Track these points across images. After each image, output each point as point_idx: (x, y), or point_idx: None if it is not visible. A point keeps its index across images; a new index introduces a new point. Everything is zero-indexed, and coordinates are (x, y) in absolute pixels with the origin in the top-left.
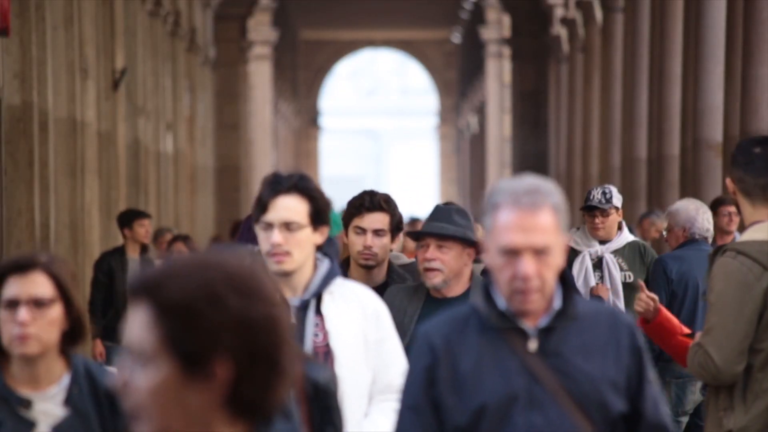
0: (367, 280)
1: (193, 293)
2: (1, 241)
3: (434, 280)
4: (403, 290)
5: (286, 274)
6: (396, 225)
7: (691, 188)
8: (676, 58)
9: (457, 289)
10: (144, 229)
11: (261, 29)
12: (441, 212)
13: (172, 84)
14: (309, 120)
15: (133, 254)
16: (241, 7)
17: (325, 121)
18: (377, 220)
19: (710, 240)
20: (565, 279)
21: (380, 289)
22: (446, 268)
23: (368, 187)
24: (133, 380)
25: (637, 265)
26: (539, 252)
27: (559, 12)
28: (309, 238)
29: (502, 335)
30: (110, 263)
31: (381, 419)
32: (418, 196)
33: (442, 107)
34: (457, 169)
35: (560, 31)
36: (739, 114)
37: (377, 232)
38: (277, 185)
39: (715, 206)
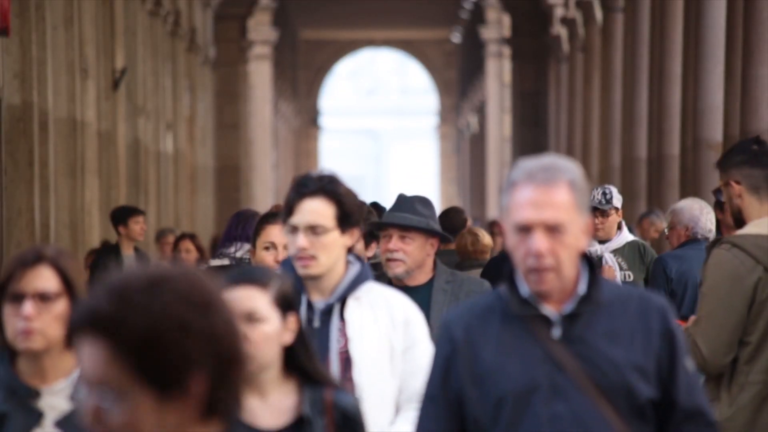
0: None
1: (156, 324)
2: (1, 241)
3: (396, 270)
4: None
5: (313, 278)
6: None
7: (691, 188)
8: (676, 58)
9: (420, 279)
10: (139, 227)
11: (261, 29)
12: (403, 202)
13: (172, 84)
14: (309, 120)
15: (127, 251)
16: (241, 7)
17: (325, 120)
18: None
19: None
20: (592, 263)
21: None
22: (409, 258)
23: (369, 187)
24: (106, 413)
25: (637, 265)
26: (552, 229)
27: (559, 12)
28: (336, 241)
29: (526, 323)
30: (105, 262)
31: (405, 428)
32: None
33: (442, 107)
34: (457, 169)
35: (560, 30)
36: (739, 114)
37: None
38: (303, 187)
39: (720, 204)
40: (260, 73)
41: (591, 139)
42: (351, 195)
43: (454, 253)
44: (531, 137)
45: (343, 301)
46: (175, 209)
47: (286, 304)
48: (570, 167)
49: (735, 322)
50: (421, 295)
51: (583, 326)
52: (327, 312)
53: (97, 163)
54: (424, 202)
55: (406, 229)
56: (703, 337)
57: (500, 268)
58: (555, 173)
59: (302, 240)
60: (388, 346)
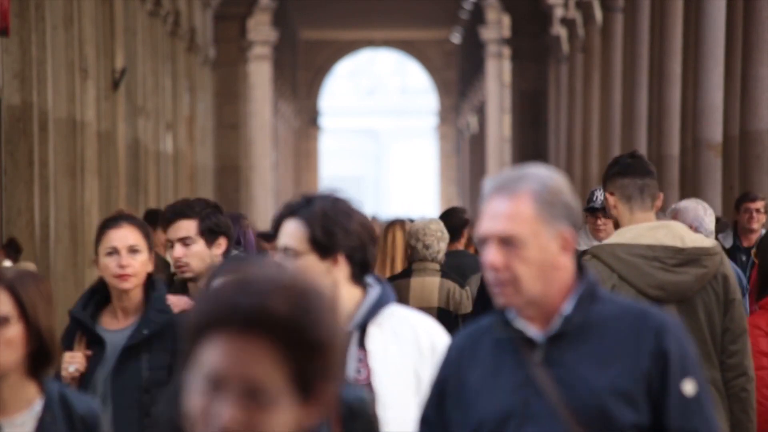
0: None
1: (328, 334)
2: (1, 241)
3: (187, 275)
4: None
5: None
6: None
7: (690, 188)
8: (676, 58)
9: None
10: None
11: (261, 29)
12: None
13: (172, 84)
14: (309, 120)
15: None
16: (240, 7)
17: (325, 121)
18: (182, 227)
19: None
20: (587, 280)
21: None
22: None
23: (369, 187)
24: (248, 420)
25: None
26: (506, 242)
27: (558, 12)
28: (315, 266)
29: (514, 346)
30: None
31: None
32: (418, 197)
33: (442, 107)
34: (456, 169)
35: (560, 31)
36: (739, 114)
37: (184, 241)
38: (285, 208)
39: (738, 204)
40: (260, 73)
41: (591, 139)
42: (328, 217)
43: (463, 253)
44: (531, 137)
45: (362, 328)
46: None
47: None
48: (538, 177)
49: None
50: None
51: (567, 348)
52: None
53: (97, 163)
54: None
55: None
56: None
57: None
58: (518, 183)
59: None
60: (415, 376)
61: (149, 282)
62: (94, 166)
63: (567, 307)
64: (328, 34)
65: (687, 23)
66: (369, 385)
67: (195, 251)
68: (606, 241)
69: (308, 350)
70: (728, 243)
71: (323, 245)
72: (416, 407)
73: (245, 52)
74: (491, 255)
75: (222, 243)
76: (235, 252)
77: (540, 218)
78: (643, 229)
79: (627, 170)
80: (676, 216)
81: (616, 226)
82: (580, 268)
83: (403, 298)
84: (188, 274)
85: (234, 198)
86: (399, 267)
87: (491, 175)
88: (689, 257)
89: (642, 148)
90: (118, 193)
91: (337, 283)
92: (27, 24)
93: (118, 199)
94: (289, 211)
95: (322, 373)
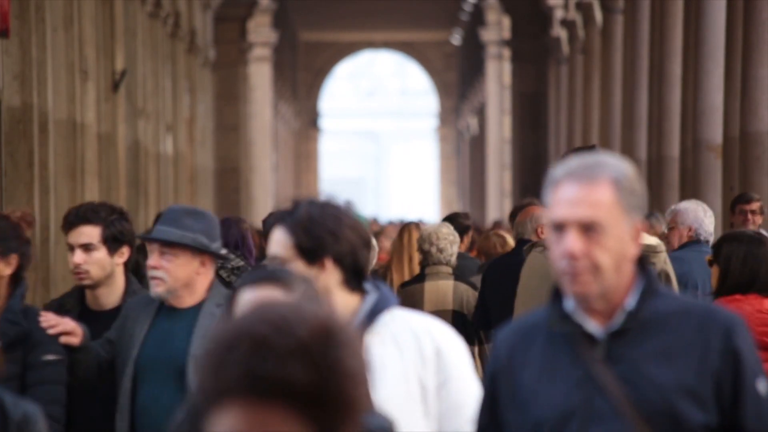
0: (94, 303)
1: (351, 387)
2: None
3: (157, 289)
4: (141, 300)
5: None
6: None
7: (690, 189)
8: (676, 59)
9: (188, 301)
10: None
11: (261, 31)
12: (169, 214)
13: (172, 85)
14: (309, 121)
15: None
16: (240, 9)
17: (325, 122)
18: (85, 233)
19: (711, 243)
20: (648, 274)
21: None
22: (169, 276)
23: (369, 189)
24: None
25: None
26: (587, 228)
27: (558, 13)
28: (303, 272)
29: (570, 342)
30: None
31: None
32: (418, 198)
33: (442, 109)
34: (457, 171)
35: (560, 32)
36: (739, 115)
37: (86, 247)
38: (273, 216)
39: (733, 205)
40: (260, 75)
41: (591, 141)
42: (314, 222)
43: (462, 256)
44: (531, 139)
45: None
46: None
47: None
48: (617, 165)
49: None
50: (185, 319)
51: (630, 345)
52: None
53: (97, 165)
54: (196, 214)
55: (166, 244)
56: None
57: (500, 271)
58: (597, 170)
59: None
60: (419, 385)
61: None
62: (94, 167)
63: (630, 302)
64: (328, 36)
65: (687, 24)
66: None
67: (96, 258)
68: None
69: (333, 413)
70: None
71: (308, 250)
72: (422, 416)
73: (245, 53)
74: (571, 241)
75: (125, 252)
76: (236, 259)
77: (619, 206)
78: None
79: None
80: (675, 217)
81: None
82: (640, 262)
83: (418, 303)
84: (87, 282)
85: (234, 199)
86: (417, 266)
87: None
88: None
89: (642, 149)
90: (118, 194)
91: (328, 290)
92: (27, 25)
93: (119, 200)
94: (277, 219)
95: (347, 427)
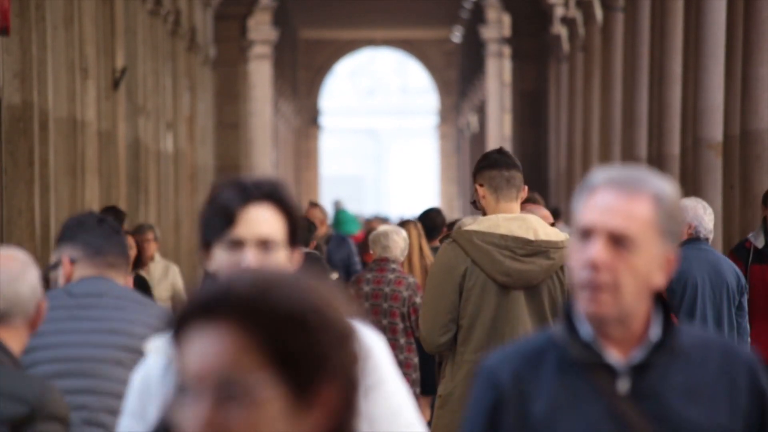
0: None
1: (299, 308)
2: (2, 241)
3: None
4: None
5: None
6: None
7: (691, 188)
8: (677, 58)
9: None
10: None
11: (261, 28)
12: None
13: (173, 83)
14: (309, 119)
15: None
16: (241, 7)
17: (326, 120)
18: None
19: (710, 241)
20: (666, 305)
21: None
22: None
23: (369, 187)
24: (225, 418)
25: None
26: (617, 241)
27: (559, 11)
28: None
29: (586, 373)
30: None
31: None
32: (418, 196)
33: (443, 106)
34: (457, 169)
35: (560, 30)
36: (740, 113)
37: None
38: (246, 191)
39: (766, 199)
40: (260, 73)
41: (591, 139)
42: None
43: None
44: (531, 137)
45: None
46: (175, 209)
47: None
48: (662, 184)
49: (446, 305)
50: None
51: (656, 379)
52: None
53: (98, 163)
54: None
55: None
56: (422, 319)
57: None
58: (640, 183)
59: (251, 258)
60: None
61: None
62: (94, 165)
63: (654, 333)
64: (328, 34)
65: (687, 23)
66: None
67: None
68: (466, 228)
69: (279, 327)
70: (760, 243)
71: (295, 239)
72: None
73: (245, 51)
74: (596, 250)
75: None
76: None
77: (657, 227)
78: (500, 219)
79: (495, 164)
80: None
81: (485, 215)
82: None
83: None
84: None
85: None
86: (417, 265)
87: (602, 170)
88: (537, 249)
89: (642, 148)
90: (118, 192)
91: None
92: (27, 23)
93: (119, 198)
94: (257, 195)
95: (313, 366)
